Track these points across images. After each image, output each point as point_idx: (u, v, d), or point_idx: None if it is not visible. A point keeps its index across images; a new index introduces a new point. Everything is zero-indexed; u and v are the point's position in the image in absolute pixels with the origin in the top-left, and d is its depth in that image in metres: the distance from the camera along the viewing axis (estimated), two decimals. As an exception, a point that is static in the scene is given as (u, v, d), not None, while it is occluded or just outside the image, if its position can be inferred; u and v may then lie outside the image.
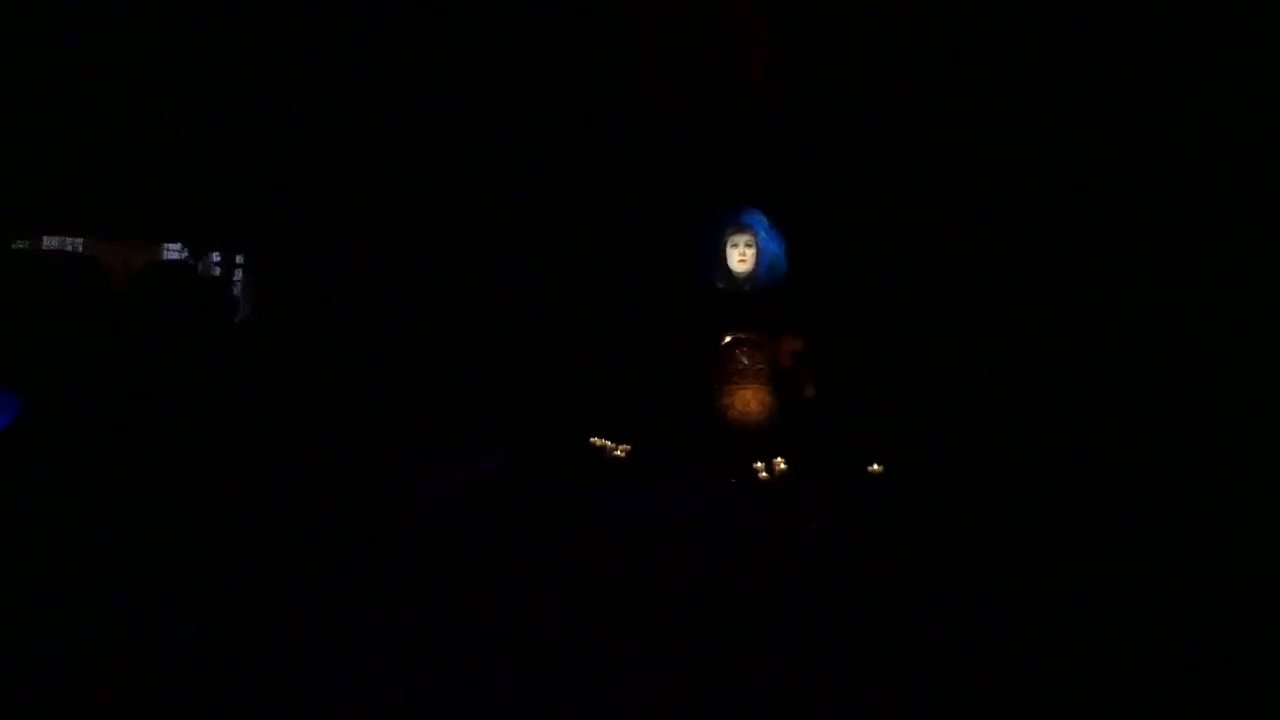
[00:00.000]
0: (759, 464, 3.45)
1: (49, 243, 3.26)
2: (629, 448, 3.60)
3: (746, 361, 3.70)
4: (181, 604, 2.60)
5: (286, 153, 3.50)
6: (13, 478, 2.46)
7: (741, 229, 3.80)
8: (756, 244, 3.79)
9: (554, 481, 3.41)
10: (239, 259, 3.39)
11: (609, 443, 3.62)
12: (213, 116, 3.34)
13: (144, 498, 2.71)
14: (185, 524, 2.77)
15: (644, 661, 2.62)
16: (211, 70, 3.41)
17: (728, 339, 3.74)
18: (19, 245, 2.93)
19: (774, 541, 3.08)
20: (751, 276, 3.80)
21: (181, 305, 2.95)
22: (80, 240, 3.07)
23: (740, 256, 3.78)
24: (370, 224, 3.66)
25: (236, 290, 3.45)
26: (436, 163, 3.81)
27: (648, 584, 2.90)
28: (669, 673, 2.56)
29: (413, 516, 3.12)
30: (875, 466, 3.41)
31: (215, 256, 3.35)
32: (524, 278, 3.90)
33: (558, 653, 2.64)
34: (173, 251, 3.33)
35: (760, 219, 3.82)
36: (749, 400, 3.65)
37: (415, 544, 3.00)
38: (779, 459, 3.45)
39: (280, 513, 2.96)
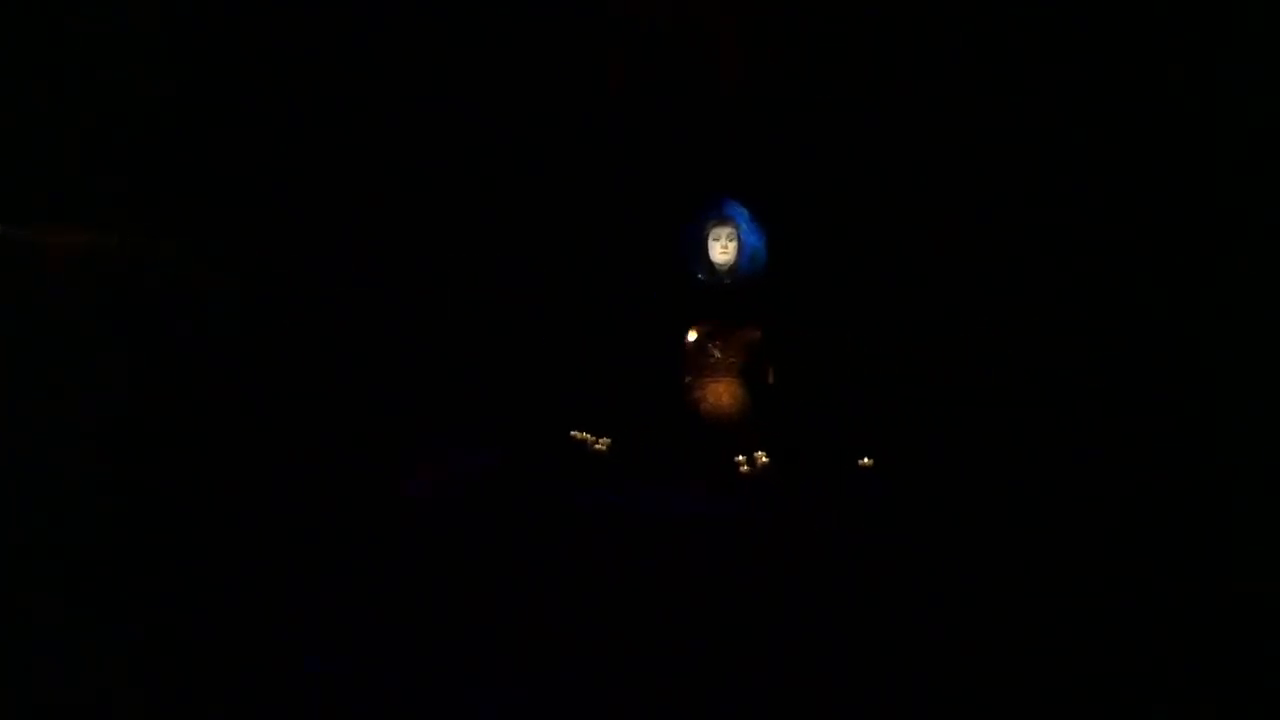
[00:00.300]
0: (740, 458, 3.49)
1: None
2: (609, 441, 3.65)
3: (719, 354, 3.76)
4: (172, 604, 2.68)
5: (262, 143, 3.51)
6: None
7: (723, 221, 3.83)
8: (738, 236, 3.83)
9: (543, 478, 3.48)
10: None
11: (589, 436, 3.67)
12: (171, 97, 3.34)
13: (123, 496, 2.75)
14: (171, 523, 2.83)
15: (636, 658, 2.71)
16: (173, 53, 3.39)
17: (699, 332, 3.81)
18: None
19: (760, 536, 3.13)
20: (733, 269, 3.84)
21: (136, 296, 2.95)
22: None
23: (722, 248, 3.82)
24: (349, 218, 3.69)
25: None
26: (421, 159, 3.84)
27: (637, 580, 2.99)
28: (662, 670, 2.64)
29: (403, 515, 3.19)
30: (865, 460, 3.44)
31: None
32: (507, 272, 3.94)
33: (550, 651, 2.75)
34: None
35: (741, 211, 3.85)
36: (721, 393, 3.71)
37: (406, 542, 3.07)
38: (760, 453, 3.50)
39: (269, 512, 3.02)
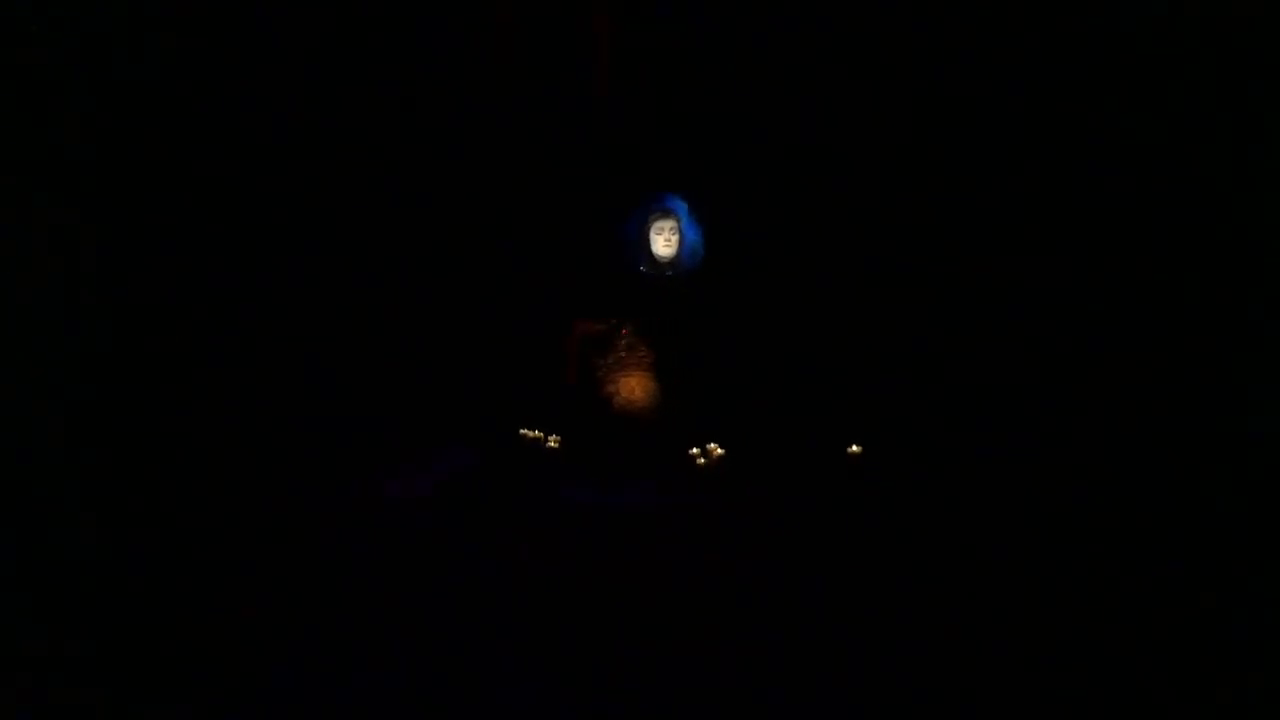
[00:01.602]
0: (695, 450, 3.47)
1: None
2: (560, 438, 3.57)
3: (625, 351, 3.74)
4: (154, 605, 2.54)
5: (237, 147, 3.27)
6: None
7: (666, 214, 3.84)
8: (680, 229, 3.84)
9: (521, 476, 3.40)
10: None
11: (540, 433, 3.58)
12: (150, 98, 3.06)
13: (101, 495, 2.58)
14: (153, 526, 2.67)
15: (621, 656, 2.66)
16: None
17: (605, 327, 3.78)
18: None
19: (722, 529, 3.10)
20: (675, 261, 3.85)
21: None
22: None
23: (665, 241, 3.82)
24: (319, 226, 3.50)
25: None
26: (394, 169, 3.73)
27: (607, 577, 2.92)
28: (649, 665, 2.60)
29: (382, 517, 3.07)
30: (854, 448, 3.43)
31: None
32: (458, 269, 3.83)
33: (542, 648, 2.66)
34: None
35: (681, 205, 3.85)
36: (634, 388, 3.68)
37: (392, 543, 2.96)
38: (713, 444, 3.48)
39: (249, 515, 2.86)
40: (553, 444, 3.54)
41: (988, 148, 3.46)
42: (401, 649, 2.60)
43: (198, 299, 2.99)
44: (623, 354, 3.74)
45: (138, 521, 2.67)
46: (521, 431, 3.57)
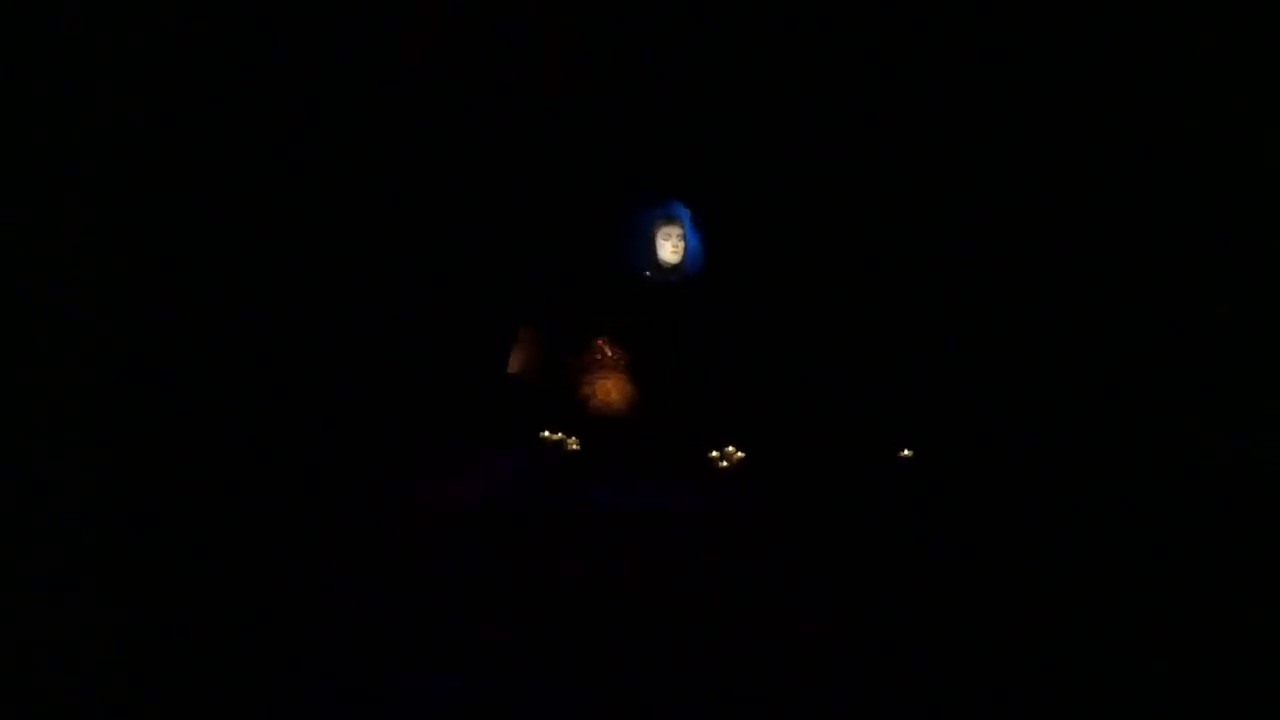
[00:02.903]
0: (715, 453, 3.51)
1: None
2: (578, 441, 3.57)
3: (609, 351, 3.81)
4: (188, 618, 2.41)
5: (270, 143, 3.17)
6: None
7: (671, 220, 3.91)
8: (684, 235, 3.91)
9: (565, 476, 3.38)
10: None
11: (560, 435, 3.57)
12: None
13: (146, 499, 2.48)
14: (194, 533, 2.57)
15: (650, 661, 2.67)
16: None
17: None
18: None
19: (749, 531, 3.13)
20: (679, 267, 3.92)
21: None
22: None
23: (673, 248, 3.89)
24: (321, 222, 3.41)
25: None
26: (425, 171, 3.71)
27: (629, 580, 2.91)
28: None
29: (437, 523, 2.97)
30: (906, 452, 3.46)
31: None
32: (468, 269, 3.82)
33: (562, 657, 2.65)
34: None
35: (684, 211, 3.93)
36: (610, 390, 3.74)
37: (439, 551, 2.85)
38: (732, 447, 3.51)
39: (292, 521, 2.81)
40: (573, 446, 3.54)
41: (993, 146, 3.53)
42: (430, 652, 2.58)
43: (198, 301, 2.90)
44: (598, 356, 3.79)
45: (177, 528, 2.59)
46: (543, 434, 3.57)
